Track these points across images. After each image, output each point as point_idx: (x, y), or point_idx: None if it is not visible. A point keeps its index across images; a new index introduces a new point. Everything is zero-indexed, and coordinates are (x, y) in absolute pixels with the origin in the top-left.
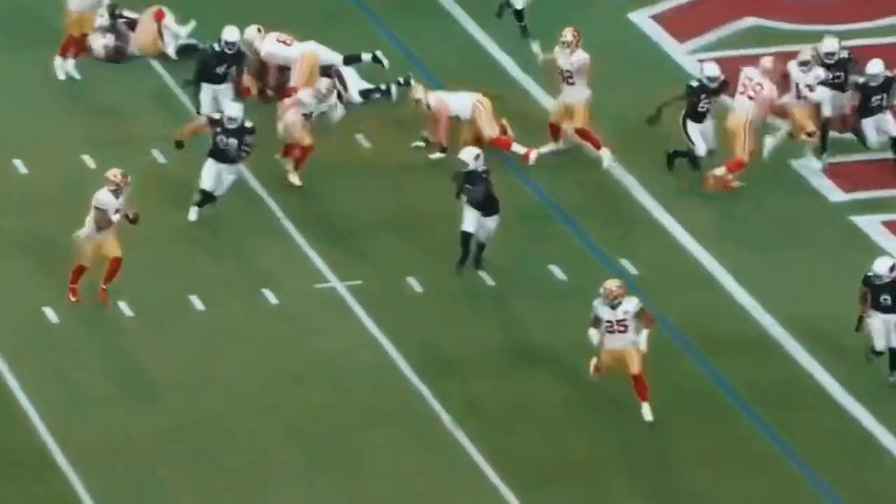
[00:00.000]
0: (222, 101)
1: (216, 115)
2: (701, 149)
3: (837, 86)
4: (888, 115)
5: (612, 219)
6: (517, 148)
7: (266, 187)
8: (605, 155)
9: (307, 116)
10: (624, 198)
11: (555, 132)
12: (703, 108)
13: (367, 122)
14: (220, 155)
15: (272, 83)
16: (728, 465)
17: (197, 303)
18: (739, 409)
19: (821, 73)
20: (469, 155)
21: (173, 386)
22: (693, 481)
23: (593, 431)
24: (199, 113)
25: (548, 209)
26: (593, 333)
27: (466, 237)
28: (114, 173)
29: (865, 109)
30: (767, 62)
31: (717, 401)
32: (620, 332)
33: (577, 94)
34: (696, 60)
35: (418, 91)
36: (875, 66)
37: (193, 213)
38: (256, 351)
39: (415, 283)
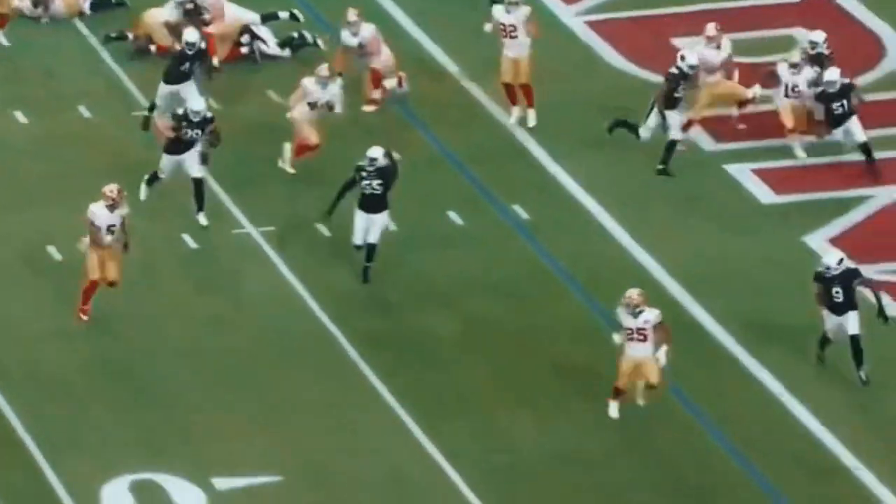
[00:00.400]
0: (185, 96)
1: (179, 111)
2: (678, 134)
3: (841, 116)
4: (854, 121)
5: (505, 168)
6: (387, 83)
7: None
8: (515, 112)
9: (312, 106)
10: (517, 150)
11: (511, 93)
12: (679, 94)
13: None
14: (181, 147)
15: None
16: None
17: None
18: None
19: (811, 73)
20: (379, 151)
21: (102, 326)
22: (586, 414)
23: (490, 366)
24: (153, 108)
25: (446, 159)
26: (617, 337)
27: (358, 249)
28: (110, 188)
29: (832, 118)
30: (711, 29)
31: (603, 336)
32: (640, 340)
33: (522, 49)
34: (582, 22)
35: (353, 15)
36: (832, 74)
37: (143, 192)
38: (178, 292)
39: (323, 229)
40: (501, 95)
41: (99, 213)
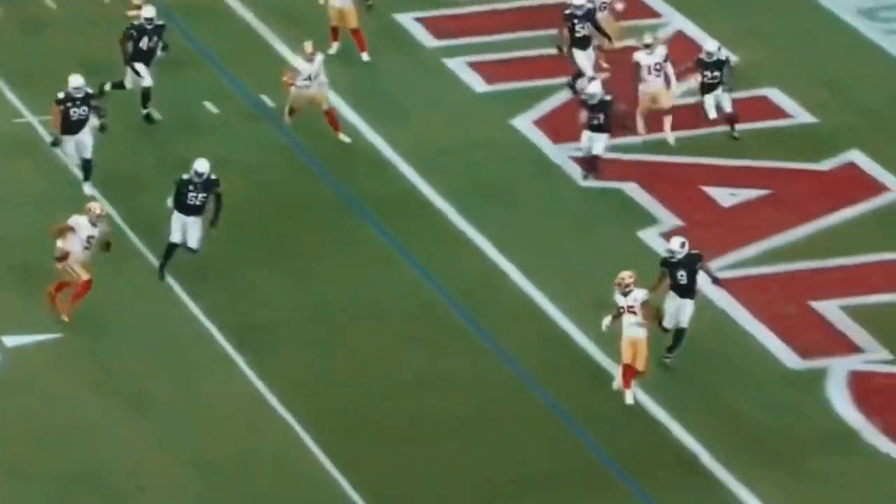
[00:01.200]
0: (143, 74)
1: (60, 95)
2: (588, 71)
3: (713, 85)
4: (603, 136)
5: (253, 63)
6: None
7: None
8: (365, 55)
9: (307, 79)
10: (263, 47)
11: (334, 32)
12: (579, 33)
13: None
14: (74, 127)
15: None
16: (356, 259)
17: None
18: (364, 219)
19: (663, 51)
20: (206, 165)
21: None
22: (335, 273)
23: (242, 235)
24: (119, 87)
25: (201, 56)
26: (606, 322)
27: (172, 247)
28: (93, 206)
29: (590, 126)
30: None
31: (348, 214)
32: (632, 313)
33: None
34: None
35: None
36: (593, 87)
37: (87, 187)
38: None
39: (155, 113)
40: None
41: (80, 223)
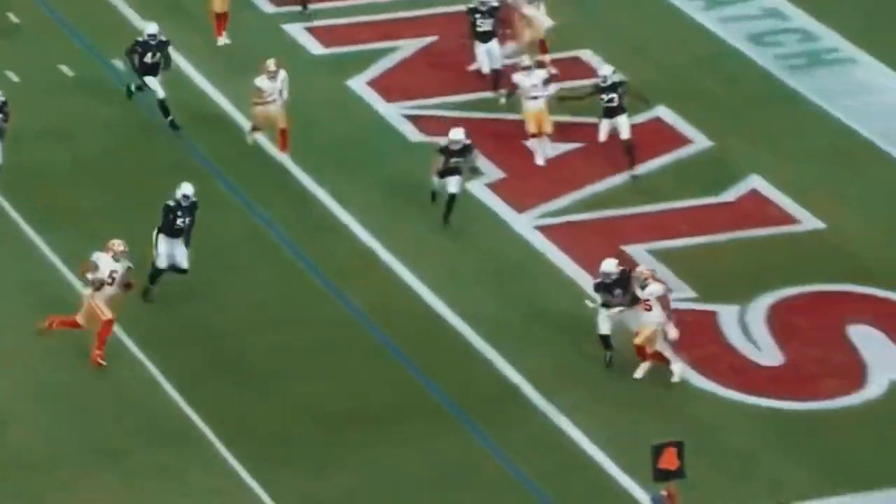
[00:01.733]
0: (155, 87)
1: None
2: (484, 65)
3: (612, 109)
4: (459, 177)
5: (106, 30)
6: None
7: None
8: (221, 39)
9: (270, 97)
10: (115, 15)
11: (219, 23)
12: (480, 27)
13: None
14: None
15: None
16: (205, 211)
17: None
18: (210, 172)
19: (542, 74)
20: (191, 189)
21: None
22: None
23: (105, 195)
24: (163, 100)
25: (56, 23)
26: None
27: (158, 272)
28: (114, 243)
29: (446, 170)
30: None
31: (195, 168)
32: (647, 310)
33: None
34: None
35: None
36: (456, 134)
37: None
38: None
39: (13, 76)
40: None
41: (104, 260)
